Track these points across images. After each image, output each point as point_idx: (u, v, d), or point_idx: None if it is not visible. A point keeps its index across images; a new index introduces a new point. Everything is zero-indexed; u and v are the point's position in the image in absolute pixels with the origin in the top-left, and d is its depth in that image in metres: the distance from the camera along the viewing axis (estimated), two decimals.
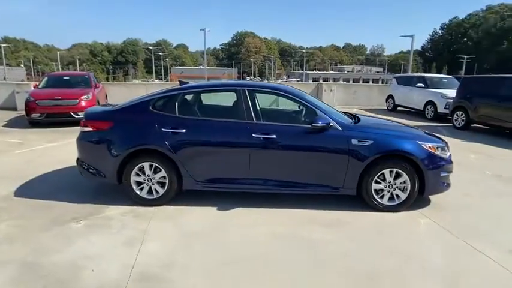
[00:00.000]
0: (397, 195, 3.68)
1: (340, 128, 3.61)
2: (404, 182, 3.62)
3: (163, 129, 3.65)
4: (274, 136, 3.59)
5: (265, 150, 3.62)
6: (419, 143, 3.63)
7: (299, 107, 3.99)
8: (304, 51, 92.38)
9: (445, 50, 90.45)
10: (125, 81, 51.32)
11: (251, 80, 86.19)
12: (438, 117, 10.63)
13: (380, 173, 3.60)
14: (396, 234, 3.23)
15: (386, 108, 13.60)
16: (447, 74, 18.83)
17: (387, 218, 3.57)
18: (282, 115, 4.17)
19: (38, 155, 5.98)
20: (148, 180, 3.75)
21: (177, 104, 3.81)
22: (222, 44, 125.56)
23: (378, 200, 3.68)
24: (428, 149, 3.61)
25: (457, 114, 9.30)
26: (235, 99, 3.83)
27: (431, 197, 3.95)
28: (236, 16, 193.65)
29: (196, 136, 3.68)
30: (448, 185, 3.79)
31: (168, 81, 56.66)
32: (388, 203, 3.69)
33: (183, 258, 2.78)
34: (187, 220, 3.49)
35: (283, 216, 3.61)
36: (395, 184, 3.64)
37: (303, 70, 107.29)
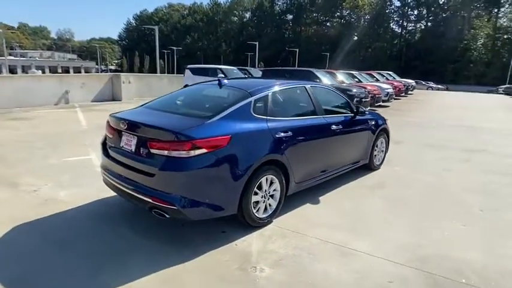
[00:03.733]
0: (381, 157, 5.50)
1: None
2: (383, 146, 5.50)
3: (276, 135, 3.39)
4: (341, 127, 4.31)
5: (334, 141, 4.24)
6: (385, 118, 5.58)
7: (337, 99, 4.77)
8: None
9: (142, 40, 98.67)
10: None
11: None
12: None
13: (376, 143, 5.25)
14: (406, 178, 5.07)
15: None
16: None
17: (383, 172, 5.33)
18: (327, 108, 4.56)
19: None
20: (264, 197, 3.37)
21: (272, 105, 3.55)
22: None
23: (376, 162, 5.34)
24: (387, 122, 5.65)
25: None
26: (305, 96, 4.08)
27: None
28: None
29: (299, 137, 3.67)
30: None
31: None
32: (378, 163, 5.44)
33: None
34: (323, 221, 3.59)
35: (344, 192, 4.47)
36: (380, 148, 5.42)
37: None
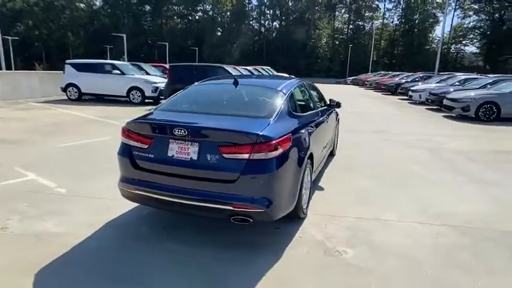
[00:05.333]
0: (336, 143, 6.33)
1: None
2: (337, 134, 6.34)
3: (308, 129, 3.67)
4: (327, 118, 4.84)
5: (325, 130, 4.74)
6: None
7: (316, 93, 5.21)
8: None
9: None
10: None
11: None
12: (144, 101, 12.33)
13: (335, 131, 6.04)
14: (363, 159, 6.02)
15: (68, 98, 12.74)
16: None
17: (341, 156, 6.17)
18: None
19: None
20: (305, 188, 3.61)
21: (296, 102, 3.80)
22: None
23: (335, 148, 6.13)
24: None
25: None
26: (306, 92, 4.47)
27: None
28: None
29: (316, 130, 3.97)
30: None
31: None
32: (335, 149, 6.25)
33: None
34: (343, 202, 4.06)
35: (330, 176, 5.09)
36: (336, 135, 6.24)
37: None
